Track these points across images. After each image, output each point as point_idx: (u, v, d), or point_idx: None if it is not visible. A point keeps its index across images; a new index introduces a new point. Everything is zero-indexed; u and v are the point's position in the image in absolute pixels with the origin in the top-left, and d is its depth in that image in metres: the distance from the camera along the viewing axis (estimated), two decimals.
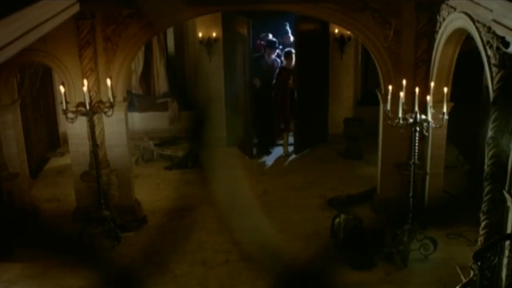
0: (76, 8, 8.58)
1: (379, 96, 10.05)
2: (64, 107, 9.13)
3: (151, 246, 9.76)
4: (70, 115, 9.18)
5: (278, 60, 13.47)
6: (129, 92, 13.10)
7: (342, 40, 12.84)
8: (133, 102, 13.39)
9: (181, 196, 11.10)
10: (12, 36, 6.22)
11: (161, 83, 13.96)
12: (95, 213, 9.67)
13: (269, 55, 13.39)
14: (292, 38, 13.99)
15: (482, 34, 7.26)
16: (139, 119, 13.67)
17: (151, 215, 10.62)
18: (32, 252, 9.55)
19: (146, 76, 13.94)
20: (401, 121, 8.59)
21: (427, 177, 9.96)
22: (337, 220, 9.67)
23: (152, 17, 9.52)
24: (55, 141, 13.57)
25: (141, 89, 13.93)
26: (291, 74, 12.92)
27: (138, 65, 13.62)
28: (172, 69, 14.01)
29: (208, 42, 12.85)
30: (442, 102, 8.58)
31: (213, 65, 13.05)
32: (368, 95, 13.15)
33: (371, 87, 12.18)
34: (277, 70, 13.19)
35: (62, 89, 9.06)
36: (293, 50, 12.91)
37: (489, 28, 6.98)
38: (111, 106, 9.27)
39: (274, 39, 13.84)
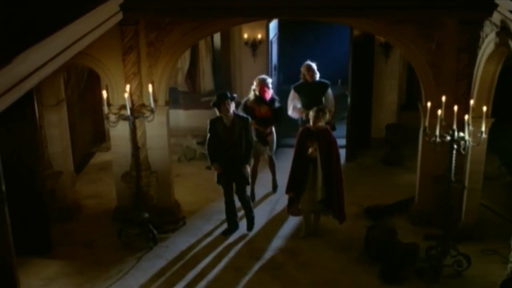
0: (120, 17, 8.73)
1: (420, 109, 9.95)
2: (106, 112, 9.35)
3: (187, 248, 9.91)
4: (112, 118, 9.40)
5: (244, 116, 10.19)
6: (174, 89, 13.29)
7: (387, 45, 12.72)
8: (178, 99, 13.55)
9: (220, 198, 11.18)
10: (58, 50, 6.39)
11: (207, 81, 14.09)
12: (134, 214, 9.82)
13: (227, 109, 9.87)
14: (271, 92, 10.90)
15: None
16: (183, 117, 13.80)
17: (190, 216, 10.79)
18: (71, 250, 9.82)
19: (192, 73, 14.08)
20: (438, 139, 8.51)
21: (465, 192, 9.76)
22: (372, 231, 9.67)
23: (195, 24, 9.62)
24: (101, 136, 13.82)
25: (187, 87, 14.08)
26: (313, 135, 9.68)
27: (184, 63, 13.78)
28: (217, 68, 14.13)
29: (253, 44, 12.92)
30: (481, 118, 8.47)
31: (258, 65, 13.08)
32: (413, 100, 12.97)
33: (416, 91, 12.00)
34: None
35: (104, 94, 9.24)
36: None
37: None
38: (152, 111, 9.45)
39: (224, 92, 10.12)
